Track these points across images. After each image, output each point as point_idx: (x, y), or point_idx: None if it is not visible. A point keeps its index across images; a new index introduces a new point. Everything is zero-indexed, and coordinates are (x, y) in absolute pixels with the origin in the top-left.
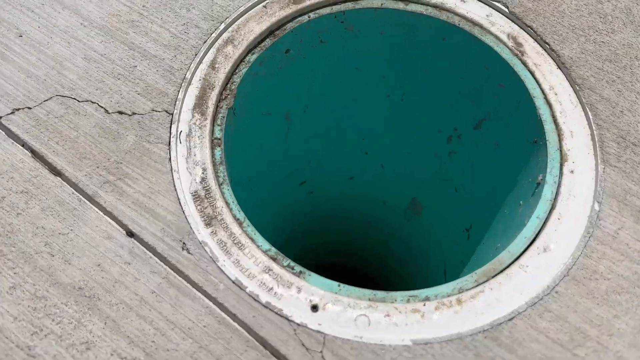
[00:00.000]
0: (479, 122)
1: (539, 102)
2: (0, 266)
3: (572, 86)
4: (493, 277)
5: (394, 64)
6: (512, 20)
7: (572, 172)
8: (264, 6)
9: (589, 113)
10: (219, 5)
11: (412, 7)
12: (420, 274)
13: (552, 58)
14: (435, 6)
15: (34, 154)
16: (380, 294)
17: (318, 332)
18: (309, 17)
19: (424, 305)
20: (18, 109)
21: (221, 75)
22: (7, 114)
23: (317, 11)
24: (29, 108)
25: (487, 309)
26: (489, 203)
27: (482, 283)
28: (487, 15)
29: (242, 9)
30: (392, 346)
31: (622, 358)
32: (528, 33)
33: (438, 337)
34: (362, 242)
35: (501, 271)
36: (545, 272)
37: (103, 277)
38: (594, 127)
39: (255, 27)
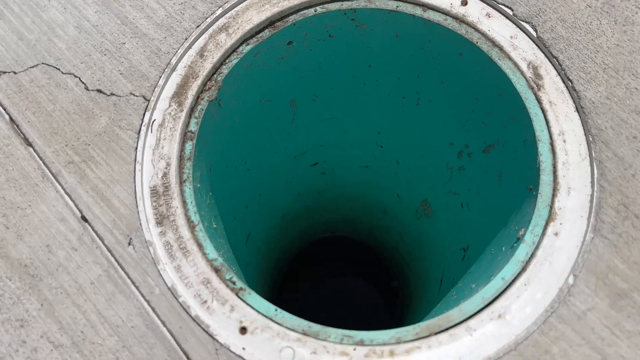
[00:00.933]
0: (488, 147)
1: (543, 147)
2: None
3: (585, 135)
4: (436, 333)
5: (410, 68)
6: (538, 47)
7: (556, 234)
8: None
9: (596, 170)
10: None
11: (430, 15)
12: (423, 273)
13: (572, 98)
14: (455, 17)
15: (12, 121)
16: (315, 327)
17: (239, 356)
18: (315, 10)
19: (354, 349)
20: (4, 72)
21: (208, 65)
22: None
23: (325, 5)
24: (15, 73)
25: None
26: (484, 234)
27: (422, 338)
28: (511, 37)
29: None
30: None
31: None
32: (552, 64)
33: None
34: (379, 226)
35: (446, 329)
36: (493, 341)
37: (49, 259)
38: (595, 188)
39: (255, 16)
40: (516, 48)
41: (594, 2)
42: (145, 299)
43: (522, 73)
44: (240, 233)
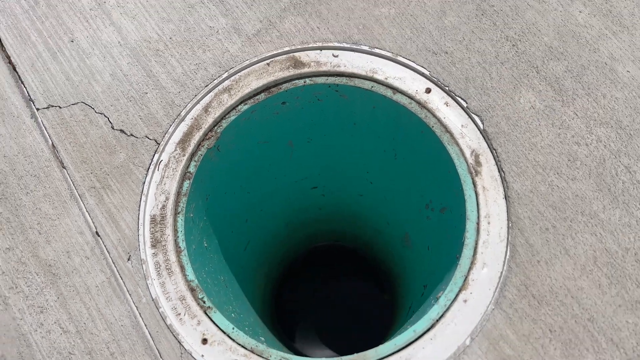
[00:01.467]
0: (444, 209)
1: (470, 226)
2: (4, 230)
3: (507, 220)
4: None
5: (387, 131)
6: (483, 137)
7: (465, 301)
8: (267, 64)
9: (508, 252)
10: (230, 54)
11: (398, 97)
12: (404, 296)
13: (502, 187)
14: (418, 102)
15: (53, 147)
16: (261, 347)
17: None
18: (304, 82)
19: None
20: (52, 106)
21: (210, 119)
22: (43, 108)
23: (313, 79)
24: (60, 107)
25: None
26: (434, 280)
27: None
28: (462, 125)
29: (247, 62)
30: None
31: None
32: (492, 154)
33: None
34: (374, 242)
35: None
36: None
37: (67, 263)
38: (505, 267)
39: (253, 82)
40: (464, 136)
41: (538, 104)
42: (135, 305)
43: (465, 158)
44: (239, 242)
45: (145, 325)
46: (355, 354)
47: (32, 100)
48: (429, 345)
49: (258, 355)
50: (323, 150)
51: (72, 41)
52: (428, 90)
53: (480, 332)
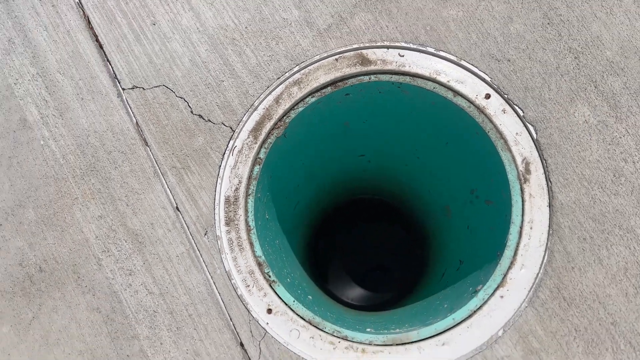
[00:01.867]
0: (489, 202)
1: (514, 229)
2: (97, 199)
3: (549, 228)
4: (397, 344)
5: (441, 123)
6: (535, 147)
7: (502, 297)
8: (336, 59)
9: (546, 258)
10: (302, 48)
11: (458, 100)
12: (436, 256)
13: (548, 196)
14: (477, 107)
15: (138, 126)
16: (317, 319)
17: (263, 328)
18: (369, 78)
19: (339, 342)
20: (136, 87)
21: (280, 110)
22: (128, 88)
23: (378, 76)
24: (143, 89)
25: None
26: (472, 262)
27: (387, 345)
28: (516, 133)
29: (317, 57)
30: (303, 359)
31: None
32: (542, 164)
33: None
34: (412, 203)
35: (404, 344)
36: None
37: (152, 233)
38: (541, 270)
39: (322, 77)
40: (517, 144)
41: (592, 119)
42: (210, 276)
43: (516, 165)
44: (290, 205)
45: (219, 293)
46: (401, 334)
47: (118, 80)
48: (465, 332)
49: (315, 326)
50: (375, 128)
51: (154, 24)
52: (488, 96)
53: (512, 326)
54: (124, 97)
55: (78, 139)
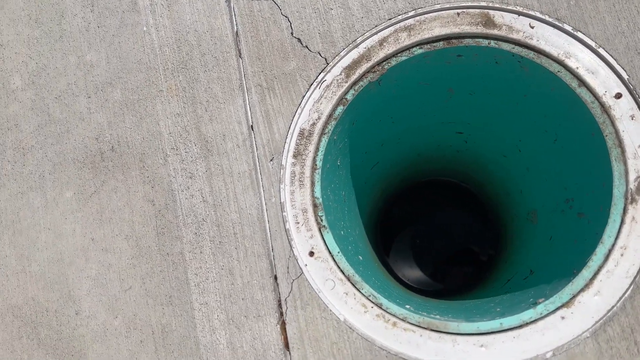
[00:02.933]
0: (581, 214)
1: (601, 250)
2: (180, 96)
3: None
4: (431, 330)
5: (556, 114)
6: None
7: (562, 318)
8: (457, 14)
9: (629, 291)
10: None
11: (582, 92)
12: (507, 263)
13: None
14: (602, 105)
15: (237, 35)
16: (356, 277)
17: (301, 268)
18: (489, 42)
19: (372, 307)
20: None
21: (381, 54)
22: None
23: (499, 43)
24: None
25: (405, 341)
26: (541, 272)
27: (420, 327)
28: (639, 146)
29: (437, 6)
30: (332, 312)
31: None
32: None
33: (360, 330)
34: (499, 199)
35: (439, 331)
36: (464, 358)
37: (221, 144)
38: (618, 304)
39: (437, 28)
40: (637, 157)
41: None
42: (264, 202)
43: (627, 181)
44: (369, 162)
45: (268, 221)
46: (440, 320)
47: None
48: (509, 341)
49: (352, 283)
50: (482, 105)
51: None
52: (618, 95)
53: (565, 352)
54: (232, 3)
55: (178, 33)
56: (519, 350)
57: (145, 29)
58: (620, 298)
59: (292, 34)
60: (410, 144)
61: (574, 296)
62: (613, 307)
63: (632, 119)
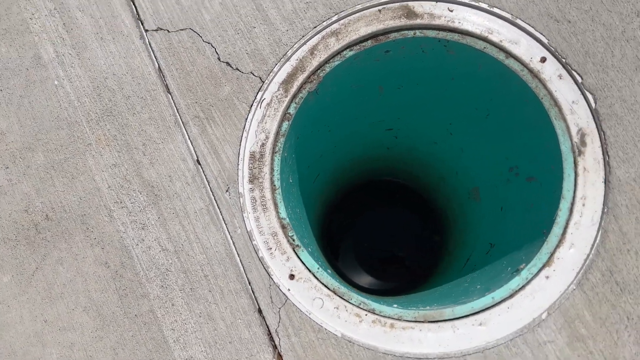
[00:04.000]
0: (531, 178)
1: (564, 205)
2: (112, 146)
3: (603, 205)
4: (429, 322)
5: (485, 92)
6: (593, 117)
7: (547, 277)
8: (379, 10)
9: (599, 237)
10: None
11: (510, 63)
12: (459, 244)
13: (604, 171)
14: (531, 71)
15: (160, 71)
16: (343, 289)
17: (284, 294)
18: (414, 33)
19: (366, 315)
20: (160, 29)
21: (315, 62)
22: (152, 30)
23: (424, 31)
24: (168, 31)
25: (407, 342)
26: (507, 243)
27: (417, 322)
28: (572, 102)
29: (359, 6)
30: (327, 330)
31: None
32: (599, 136)
33: (361, 342)
34: (434, 187)
35: (436, 321)
36: (467, 342)
37: (169, 186)
38: (593, 251)
39: (362, 28)
40: (573, 113)
41: None
42: (230, 235)
43: (570, 136)
44: (311, 175)
45: (238, 254)
46: (433, 310)
47: (141, 21)
48: (504, 313)
49: (340, 296)
50: (411, 98)
51: None
52: (543, 60)
53: (558, 309)
54: (147, 39)
55: (95, 81)
56: (516, 319)
57: (56, 82)
58: (593, 245)
59: (219, 59)
60: (345, 151)
61: (552, 254)
62: (589, 255)
63: (560, 79)
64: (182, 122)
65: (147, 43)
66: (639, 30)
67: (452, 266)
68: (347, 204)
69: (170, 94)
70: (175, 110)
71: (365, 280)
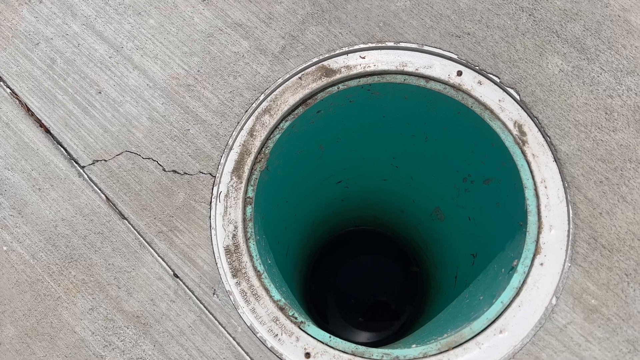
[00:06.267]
0: (487, 180)
1: (529, 193)
2: (83, 291)
3: (562, 181)
4: (453, 348)
5: (417, 117)
6: (522, 108)
7: (542, 264)
8: (299, 78)
9: (571, 211)
10: (261, 76)
11: (432, 85)
12: (439, 264)
13: (550, 151)
14: (453, 86)
15: (108, 201)
16: (361, 349)
17: None
18: (338, 87)
19: None
20: (97, 161)
21: (257, 143)
22: (89, 164)
23: (346, 83)
24: (105, 160)
25: None
26: (488, 247)
27: (443, 352)
28: (499, 100)
29: (280, 80)
30: None
31: None
32: (534, 122)
33: None
34: (396, 221)
35: (460, 344)
36: (496, 352)
37: (154, 310)
38: (571, 225)
39: (290, 98)
40: (504, 110)
41: (565, 66)
42: (232, 336)
43: (509, 131)
44: (282, 251)
45: (247, 352)
46: (453, 335)
47: (74, 160)
48: (518, 312)
49: (360, 356)
50: (350, 146)
51: (100, 92)
52: (459, 73)
53: (563, 290)
54: (86, 175)
55: (45, 233)
56: (530, 313)
57: (5, 248)
58: (569, 220)
59: (164, 169)
60: (303, 215)
61: (537, 241)
62: (569, 230)
63: (481, 84)
64: (147, 242)
65: (88, 178)
66: (528, 22)
67: (441, 290)
68: (320, 268)
69: (126, 219)
70: (137, 234)
71: (363, 336)
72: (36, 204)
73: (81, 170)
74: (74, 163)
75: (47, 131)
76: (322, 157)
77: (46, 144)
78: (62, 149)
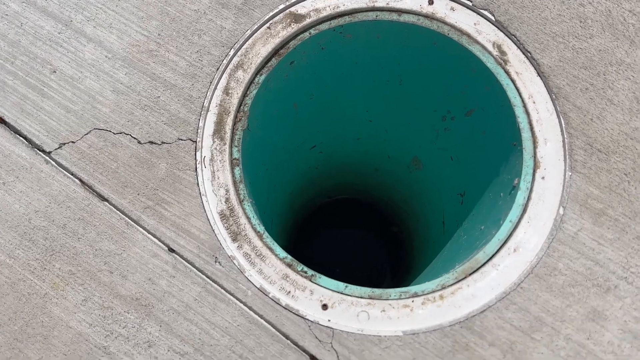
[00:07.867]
0: (470, 111)
1: (519, 110)
2: (72, 283)
3: (549, 94)
4: (470, 274)
5: (391, 58)
6: (498, 28)
7: (543, 178)
8: (268, 27)
9: (562, 121)
10: (227, 30)
11: (405, 17)
12: (423, 216)
13: (533, 66)
14: (426, 16)
15: (83, 184)
16: (377, 291)
17: (328, 327)
18: (309, 33)
19: (412, 301)
20: (64, 144)
21: (234, 100)
22: (55, 149)
23: (317, 27)
24: (73, 142)
25: (464, 303)
26: (477, 181)
27: (460, 280)
28: (474, 24)
29: (248, 32)
30: (387, 337)
31: (570, 340)
32: (512, 41)
33: (423, 328)
34: (372, 183)
35: (477, 269)
36: (514, 270)
37: (154, 289)
38: (565, 135)
39: (262, 49)
40: (480, 33)
41: None
42: (242, 302)
43: (489, 52)
44: (267, 222)
45: (261, 315)
46: (468, 261)
47: (38, 146)
48: (529, 228)
49: (378, 299)
50: (324, 103)
51: (55, 72)
52: (431, 2)
53: (568, 199)
54: (54, 161)
55: (18, 228)
56: (540, 227)
57: None
58: (562, 131)
59: (139, 142)
60: (281, 185)
61: (534, 156)
62: (564, 140)
63: (454, 10)
64: (134, 221)
65: (56, 164)
66: None
67: (429, 240)
68: (300, 243)
69: (107, 200)
70: (121, 213)
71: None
72: (2, 200)
73: (47, 157)
74: (38, 150)
75: (2, 120)
76: (296, 117)
77: (3, 134)
78: (21, 137)
